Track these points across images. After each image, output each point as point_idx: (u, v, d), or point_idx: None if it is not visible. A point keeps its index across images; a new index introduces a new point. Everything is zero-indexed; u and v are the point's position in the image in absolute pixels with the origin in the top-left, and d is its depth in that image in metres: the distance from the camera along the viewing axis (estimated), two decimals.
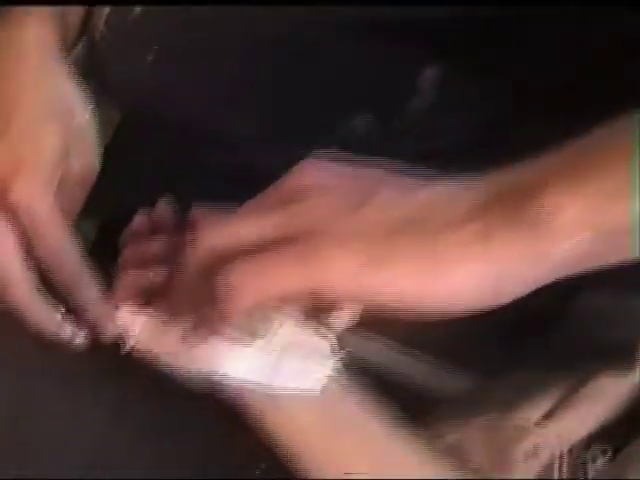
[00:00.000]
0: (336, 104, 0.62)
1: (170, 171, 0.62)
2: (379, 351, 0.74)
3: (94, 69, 0.61)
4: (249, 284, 0.36)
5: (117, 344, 0.72)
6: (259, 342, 0.46)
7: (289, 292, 0.35)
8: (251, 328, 0.45)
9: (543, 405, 0.51)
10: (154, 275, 0.50)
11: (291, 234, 0.36)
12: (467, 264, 0.33)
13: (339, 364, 0.46)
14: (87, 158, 0.51)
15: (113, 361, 0.73)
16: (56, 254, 0.47)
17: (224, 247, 0.38)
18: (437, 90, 0.62)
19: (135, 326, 0.51)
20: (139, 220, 0.52)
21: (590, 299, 0.73)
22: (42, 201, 0.47)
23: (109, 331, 0.51)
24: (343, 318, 0.47)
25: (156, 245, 0.51)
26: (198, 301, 0.40)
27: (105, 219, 0.62)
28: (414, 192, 0.36)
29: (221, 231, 0.39)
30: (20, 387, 0.67)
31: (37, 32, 0.50)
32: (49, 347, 0.75)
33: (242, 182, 0.69)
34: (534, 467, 0.50)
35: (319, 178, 0.38)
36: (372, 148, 0.65)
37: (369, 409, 0.46)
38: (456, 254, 0.33)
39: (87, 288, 0.49)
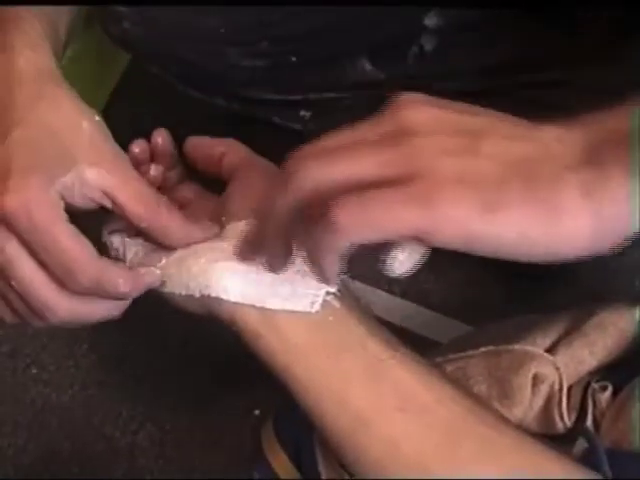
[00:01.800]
0: (337, 50, 0.62)
1: (171, 115, 0.61)
2: (378, 301, 0.73)
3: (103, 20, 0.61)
4: (355, 221, 0.34)
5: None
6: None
7: (394, 233, 0.34)
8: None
9: (550, 334, 0.50)
10: None
11: (399, 174, 0.34)
12: (584, 210, 0.33)
13: (336, 284, 0.45)
14: (102, 164, 0.45)
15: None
16: (67, 254, 0.43)
17: (323, 185, 0.36)
18: (437, 37, 0.61)
19: (127, 254, 0.50)
20: (136, 147, 0.51)
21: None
22: (39, 205, 0.42)
23: None
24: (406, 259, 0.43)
25: (152, 173, 0.50)
26: (290, 239, 0.39)
27: None
28: (525, 134, 0.35)
29: (318, 167, 0.36)
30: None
31: (29, 57, 0.46)
32: None
33: (239, 127, 0.68)
34: (535, 398, 0.49)
35: (423, 113, 0.36)
36: (371, 93, 0.65)
37: (369, 329, 0.44)
38: (572, 200, 0.33)
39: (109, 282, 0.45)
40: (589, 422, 0.48)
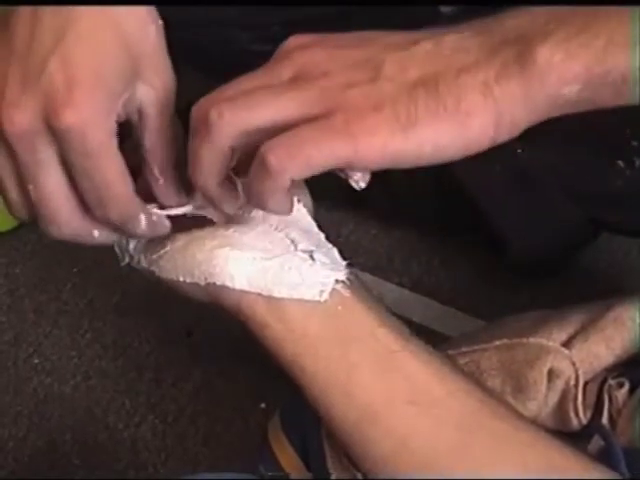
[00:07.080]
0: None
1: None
2: (388, 294, 0.72)
3: None
4: (287, 161, 0.36)
5: (115, 290, 0.72)
6: (263, 246, 0.44)
7: (325, 165, 0.36)
8: None
9: (566, 328, 0.48)
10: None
11: (317, 113, 0.37)
12: (486, 109, 0.35)
13: (346, 272, 0.44)
14: (163, 80, 0.43)
15: (112, 303, 0.72)
16: (109, 187, 0.41)
17: (249, 130, 0.38)
18: (452, 23, 0.60)
19: (130, 242, 0.49)
20: None
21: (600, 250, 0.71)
22: (98, 128, 0.40)
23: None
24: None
25: None
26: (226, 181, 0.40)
27: None
28: (420, 49, 0.37)
29: (239, 115, 0.38)
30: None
31: None
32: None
33: None
34: (550, 393, 0.47)
35: (317, 55, 0.38)
36: None
37: (379, 319, 0.43)
38: (475, 102, 0.35)
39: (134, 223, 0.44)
40: (605, 419, 0.47)
